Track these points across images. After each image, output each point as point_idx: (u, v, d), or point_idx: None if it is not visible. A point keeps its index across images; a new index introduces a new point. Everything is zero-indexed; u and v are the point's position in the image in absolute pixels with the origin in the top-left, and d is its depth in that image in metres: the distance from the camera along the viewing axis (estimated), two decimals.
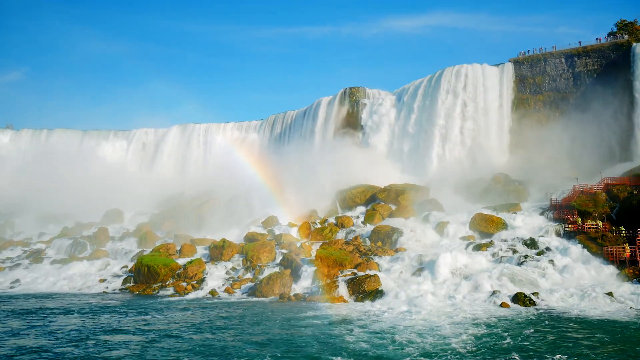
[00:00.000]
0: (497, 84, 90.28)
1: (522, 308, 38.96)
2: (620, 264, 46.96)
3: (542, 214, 63.39)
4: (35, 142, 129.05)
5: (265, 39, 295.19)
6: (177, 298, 49.55)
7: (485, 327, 31.80)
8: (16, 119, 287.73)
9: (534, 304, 39.85)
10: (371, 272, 47.41)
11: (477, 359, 24.84)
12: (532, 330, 30.96)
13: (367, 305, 41.69)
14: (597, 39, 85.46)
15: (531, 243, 54.39)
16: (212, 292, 50.91)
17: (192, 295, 50.90)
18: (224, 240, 62.17)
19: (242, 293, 50.60)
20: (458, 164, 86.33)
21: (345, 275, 48.03)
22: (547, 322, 33.75)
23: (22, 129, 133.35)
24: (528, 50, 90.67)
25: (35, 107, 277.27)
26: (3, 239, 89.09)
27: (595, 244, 51.71)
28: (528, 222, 61.16)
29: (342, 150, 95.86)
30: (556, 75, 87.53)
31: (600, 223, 55.91)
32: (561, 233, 56.76)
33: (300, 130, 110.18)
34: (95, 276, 61.54)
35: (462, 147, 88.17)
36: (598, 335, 29.53)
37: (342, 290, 45.28)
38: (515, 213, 64.71)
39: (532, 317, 35.40)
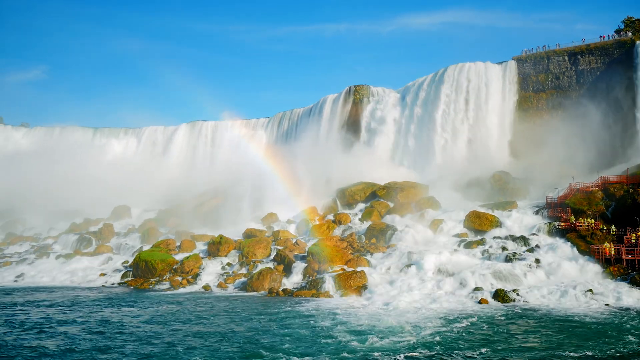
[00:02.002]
0: (499, 82, 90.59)
1: (500, 304, 39.89)
2: (606, 262, 47.52)
3: (537, 212, 64.01)
4: (48, 139, 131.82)
5: (280, 38, 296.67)
6: (170, 292, 51.22)
7: (454, 322, 32.81)
8: (34, 116, 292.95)
9: (513, 300, 40.75)
10: (359, 269, 48.50)
11: (430, 352, 25.88)
12: (500, 326, 31.91)
13: (350, 299, 42.92)
14: (600, 36, 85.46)
15: (522, 241, 55.13)
16: (205, 287, 52.49)
17: (186, 289, 52.54)
18: (221, 237, 63.67)
19: (235, 288, 52.08)
20: (459, 162, 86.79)
21: (334, 271, 49.18)
22: (518, 317, 34.69)
23: (35, 126, 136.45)
24: (531, 48, 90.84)
25: (53, 105, 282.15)
26: (13, 235, 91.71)
27: (585, 242, 52.32)
28: (522, 220, 61.84)
29: (345, 148, 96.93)
30: (559, 73, 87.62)
31: (592, 221, 56.34)
32: (553, 231, 57.29)
33: (306, 127, 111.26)
34: (96, 270, 63.52)
35: (464, 146, 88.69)
36: (563, 330, 30.41)
37: (329, 285, 46.50)
38: (511, 211, 65.41)
39: (506, 313, 36.32)
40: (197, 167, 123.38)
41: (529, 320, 33.67)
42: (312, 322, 33.16)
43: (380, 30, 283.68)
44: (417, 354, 25.22)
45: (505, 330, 30.54)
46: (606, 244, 48.47)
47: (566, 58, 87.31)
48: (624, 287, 42.54)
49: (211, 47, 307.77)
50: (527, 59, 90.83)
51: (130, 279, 58.54)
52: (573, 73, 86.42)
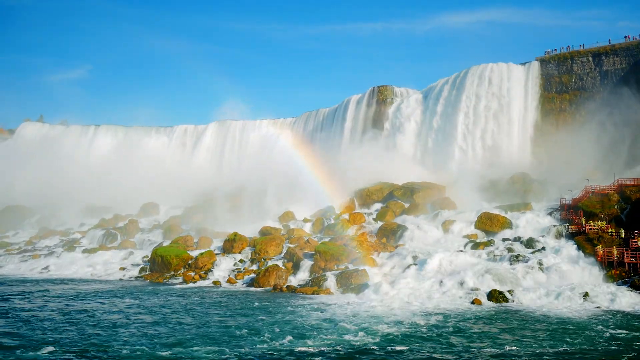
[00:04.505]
0: (522, 83, 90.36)
1: (493, 305, 40.81)
2: (609, 265, 47.68)
3: (550, 214, 64.13)
4: (83, 138, 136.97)
5: (315, 36, 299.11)
6: (181, 286, 53.61)
7: (438, 320, 34.05)
8: (76, 114, 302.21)
9: (506, 300, 41.56)
10: (361, 267, 49.96)
11: (395, 346, 27.19)
12: (482, 324, 32.98)
13: (348, 297, 44.45)
14: (625, 37, 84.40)
15: (529, 243, 55.63)
16: (215, 282, 54.75)
17: (196, 284, 54.92)
18: (235, 234, 65.88)
19: (243, 284, 54.13)
20: (480, 163, 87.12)
21: (338, 269, 50.74)
22: (504, 317, 35.66)
23: (71, 124, 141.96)
24: (555, 49, 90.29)
25: (94, 103, 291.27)
26: (46, 229, 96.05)
27: (591, 245, 52.38)
28: (533, 222, 62.16)
29: (367, 149, 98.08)
30: (583, 74, 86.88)
31: (602, 224, 56.29)
32: (563, 233, 57.45)
33: (330, 128, 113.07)
34: (117, 264, 66.50)
35: (485, 146, 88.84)
36: (541, 330, 31.32)
37: (330, 282, 48.13)
38: (524, 212, 65.67)
39: (494, 312, 37.32)
40: (224, 166, 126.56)
41: (512, 320, 34.60)
42: (295, 315, 34.91)
43: (416, 29, 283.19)
44: (375, 347, 26.58)
45: (484, 329, 31.60)
46: (603, 247, 48.57)
47: (590, 59, 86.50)
48: (622, 290, 42.77)
49: (244, 45, 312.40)
50: (550, 60, 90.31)
51: (147, 273, 61.22)
52: (597, 74, 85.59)
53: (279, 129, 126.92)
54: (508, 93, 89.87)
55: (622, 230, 54.24)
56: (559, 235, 57.65)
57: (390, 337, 29.00)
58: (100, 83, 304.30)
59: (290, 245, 60.95)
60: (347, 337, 28.84)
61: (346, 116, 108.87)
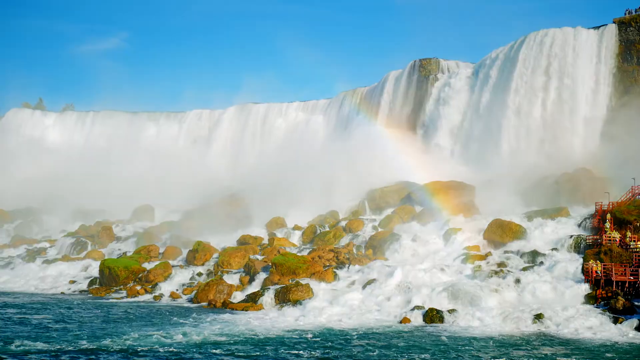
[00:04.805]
0: (593, 52, 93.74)
1: (422, 324, 48.15)
2: (596, 283, 52.89)
3: (581, 222, 69.04)
4: (79, 126, 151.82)
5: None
6: (120, 300, 63.73)
7: (334, 338, 41.82)
8: (107, 96, 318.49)
9: (442, 321, 48.45)
10: (305, 282, 58.16)
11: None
12: (372, 345, 40.30)
13: (276, 313, 52.89)
14: None
15: (531, 256, 61.39)
16: (156, 297, 64.41)
17: (138, 298, 64.84)
18: (199, 243, 75.52)
19: (187, 299, 63.47)
20: (532, 156, 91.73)
21: (280, 284, 59.08)
22: (414, 337, 42.86)
23: (66, 111, 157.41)
24: (639, 8, 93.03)
25: (131, 82, 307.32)
26: (19, 237, 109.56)
27: (599, 259, 57.39)
28: (553, 231, 67.54)
29: (401, 139, 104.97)
30: None
31: (624, 234, 60.86)
32: (580, 246, 62.60)
33: (367, 111, 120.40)
34: (71, 277, 77.74)
35: (540, 136, 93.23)
36: (434, 351, 38.19)
37: (267, 298, 56.57)
38: (554, 219, 70.93)
39: (410, 332, 44.70)
40: (242, 159, 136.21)
41: (417, 340, 41.61)
42: (178, 330, 43.68)
43: None
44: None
45: (359, 349, 38.93)
46: (591, 262, 53.74)
47: None
48: (591, 313, 48.25)
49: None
50: (631, 22, 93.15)
51: (96, 286, 71.90)
52: None
53: (310, 113, 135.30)
54: (574, 66, 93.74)
55: (635, 242, 58.84)
56: (575, 248, 62.90)
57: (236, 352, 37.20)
58: (139, 55, 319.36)
59: (252, 257, 69.66)
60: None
61: (382, 98, 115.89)
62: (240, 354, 36.12)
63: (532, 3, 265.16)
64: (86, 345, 37.55)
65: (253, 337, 41.72)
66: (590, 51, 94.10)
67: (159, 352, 36.19)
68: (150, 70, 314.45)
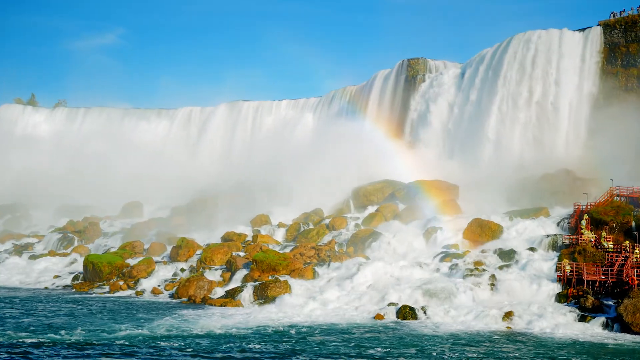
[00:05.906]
0: (578, 54, 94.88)
1: (395, 320, 49.22)
2: (568, 282, 54.06)
3: (560, 222, 70.29)
4: (70, 123, 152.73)
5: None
6: (102, 295, 64.88)
7: (308, 334, 42.95)
8: (102, 93, 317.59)
9: (415, 318, 49.57)
10: (283, 278, 59.27)
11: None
12: (350, 340, 41.40)
13: (253, 309, 53.99)
14: None
15: (507, 255, 62.56)
16: (138, 292, 65.47)
17: (119, 293, 65.93)
18: (183, 239, 76.57)
19: (169, 295, 64.54)
20: (516, 157, 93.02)
21: (259, 280, 60.20)
22: (386, 333, 44.07)
23: (57, 107, 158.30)
24: (623, 10, 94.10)
25: (127, 79, 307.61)
26: (7, 232, 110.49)
27: (573, 259, 58.55)
28: (529, 231, 68.84)
29: (388, 138, 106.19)
30: None
31: (599, 234, 62.04)
32: (557, 245, 63.82)
33: (354, 110, 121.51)
34: (56, 272, 78.79)
35: (524, 136, 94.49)
36: (403, 346, 39.33)
37: (246, 294, 57.68)
38: (534, 219, 72.14)
39: (383, 328, 45.90)
40: (233, 157, 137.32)
41: (386, 337, 42.71)
42: (145, 326, 44.78)
43: None
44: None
45: (340, 345, 40.00)
46: (564, 262, 54.94)
47: None
48: (561, 311, 49.43)
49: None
50: (616, 25, 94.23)
51: (80, 281, 72.90)
52: None
53: (300, 111, 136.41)
54: (559, 68, 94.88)
55: (628, 243, 59.94)
56: (552, 247, 64.11)
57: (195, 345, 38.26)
58: (135, 52, 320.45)
59: (234, 254, 70.71)
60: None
61: (370, 97, 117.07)
62: (196, 349, 37.02)
63: (519, 5, 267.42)
64: (57, 338, 38.68)
65: (221, 333, 42.63)
66: (575, 53, 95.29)
67: (113, 345, 37.36)
68: (144, 66, 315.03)
